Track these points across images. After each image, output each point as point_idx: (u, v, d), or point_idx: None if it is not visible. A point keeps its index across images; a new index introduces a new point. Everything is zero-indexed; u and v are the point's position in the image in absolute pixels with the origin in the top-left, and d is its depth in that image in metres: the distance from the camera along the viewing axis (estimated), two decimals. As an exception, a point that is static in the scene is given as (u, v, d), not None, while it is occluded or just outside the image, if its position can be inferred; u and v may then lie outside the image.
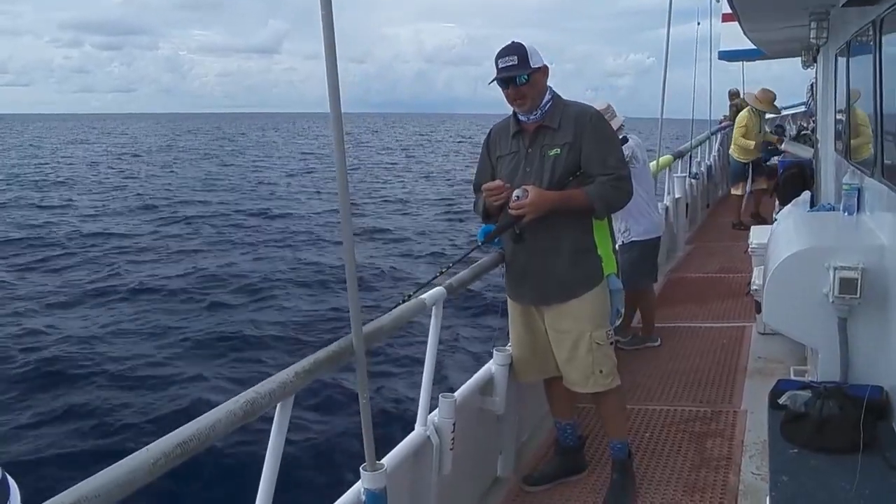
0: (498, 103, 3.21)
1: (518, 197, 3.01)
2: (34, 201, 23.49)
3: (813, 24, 4.67)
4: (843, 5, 3.51)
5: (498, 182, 3.12)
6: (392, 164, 40.04)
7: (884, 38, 3.17)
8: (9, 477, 0.83)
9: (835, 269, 2.95)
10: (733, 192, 10.26)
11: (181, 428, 1.65)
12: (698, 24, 11.49)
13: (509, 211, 3.05)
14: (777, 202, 8.03)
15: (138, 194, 25.56)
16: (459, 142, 66.08)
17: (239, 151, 51.99)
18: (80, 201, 23.68)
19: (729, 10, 7.66)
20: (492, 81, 3.12)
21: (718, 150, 12.93)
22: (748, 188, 9.88)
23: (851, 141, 4.16)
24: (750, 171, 9.82)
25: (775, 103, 10.03)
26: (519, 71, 3.03)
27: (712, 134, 12.70)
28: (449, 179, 31.25)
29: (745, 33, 6.56)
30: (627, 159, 4.14)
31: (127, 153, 49.25)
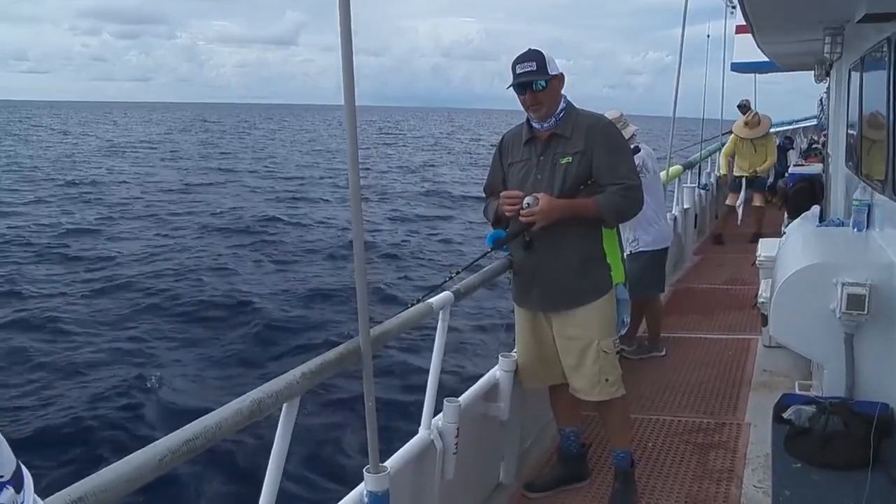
0: (515, 100, 3.23)
1: (529, 204, 3.03)
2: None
3: (827, 39, 4.65)
4: (858, 21, 3.51)
5: (516, 192, 3.13)
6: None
7: None
8: (23, 467, 0.84)
9: (843, 284, 2.95)
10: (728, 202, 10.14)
11: (188, 425, 1.67)
12: (708, 36, 11.55)
13: (520, 218, 3.07)
14: (786, 215, 8.00)
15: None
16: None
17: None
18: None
19: (742, 22, 7.67)
20: (509, 86, 3.14)
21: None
22: (740, 202, 9.73)
23: (863, 157, 4.15)
24: (743, 185, 9.67)
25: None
26: (537, 76, 3.05)
27: (722, 145, 12.69)
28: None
29: (758, 45, 6.54)
30: (638, 168, 4.14)
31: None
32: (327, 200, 23.26)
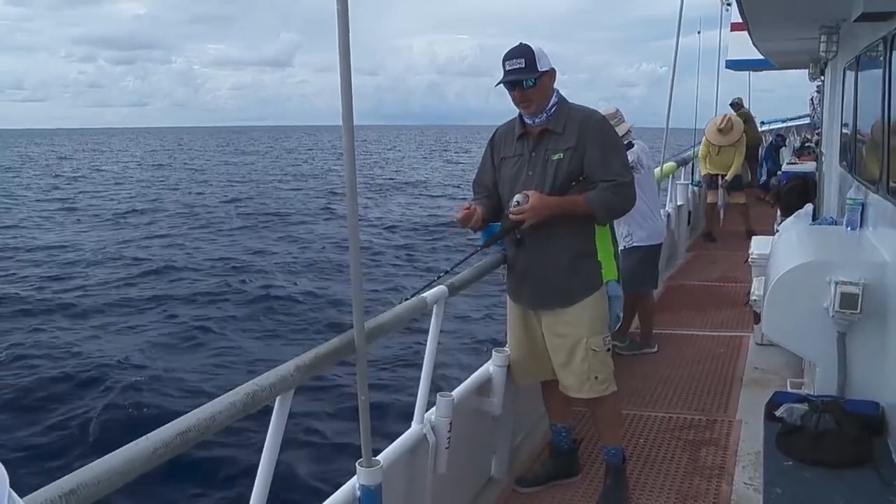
0: (511, 113, 3.17)
1: (519, 202, 3.01)
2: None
3: (823, 38, 4.67)
4: (854, 20, 3.51)
5: (465, 213, 3.16)
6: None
7: (894, 55, 3.17)
8: None
9: (836, 283, 2.96)
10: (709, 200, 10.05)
11: (181, 417, 1.66)
12: (699, 32, 11.60)
13: (509, 216, 3.06)
14: (779, 213, 8.03)
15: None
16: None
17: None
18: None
19: (738, 20, 7.69)
20: (498, 84, 3.10)
21: None
22: (720, 201, 9.70)
23: (857, 156, 4.16)
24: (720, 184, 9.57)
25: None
26: (526, 74, 3.01)
27: None
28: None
29: (753, 43, 6.56)
30: (632, 164, 4.13)
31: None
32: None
